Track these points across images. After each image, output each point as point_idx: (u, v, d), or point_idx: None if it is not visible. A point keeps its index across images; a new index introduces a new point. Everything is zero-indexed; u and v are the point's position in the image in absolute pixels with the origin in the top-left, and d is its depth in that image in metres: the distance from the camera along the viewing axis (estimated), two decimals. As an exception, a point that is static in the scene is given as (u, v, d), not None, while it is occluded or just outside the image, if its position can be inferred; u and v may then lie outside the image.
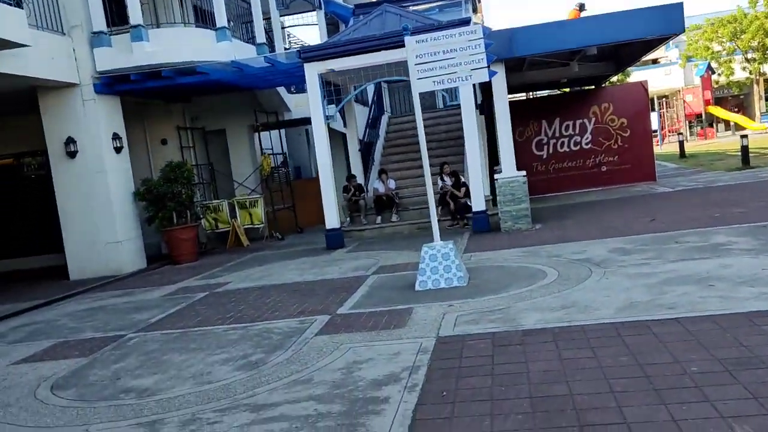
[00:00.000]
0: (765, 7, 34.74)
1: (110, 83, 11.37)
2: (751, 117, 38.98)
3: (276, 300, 7.37)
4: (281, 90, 14.96)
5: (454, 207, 11.82)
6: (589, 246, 8.05)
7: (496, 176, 11.00)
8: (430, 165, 7.28)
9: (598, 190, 15.44)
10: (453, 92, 11.10)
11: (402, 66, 9.98)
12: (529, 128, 16.23)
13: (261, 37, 14.35)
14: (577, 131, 16.12)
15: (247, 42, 14.31)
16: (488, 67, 6.92)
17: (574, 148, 16.15)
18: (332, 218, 11.29)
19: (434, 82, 6.89)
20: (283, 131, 16.10)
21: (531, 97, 24.43)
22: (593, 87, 18.02)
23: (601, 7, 58.18)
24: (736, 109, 41.16)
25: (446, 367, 4.24)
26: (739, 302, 4.76)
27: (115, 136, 11.50)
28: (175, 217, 11.99)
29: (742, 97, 41.84)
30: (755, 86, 39.19)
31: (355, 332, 5.47)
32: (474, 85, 12.34)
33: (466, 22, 10.11)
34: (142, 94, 12.42)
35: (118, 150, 11.56)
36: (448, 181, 12.08)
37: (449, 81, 6.91)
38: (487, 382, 3.88)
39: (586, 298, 5.52)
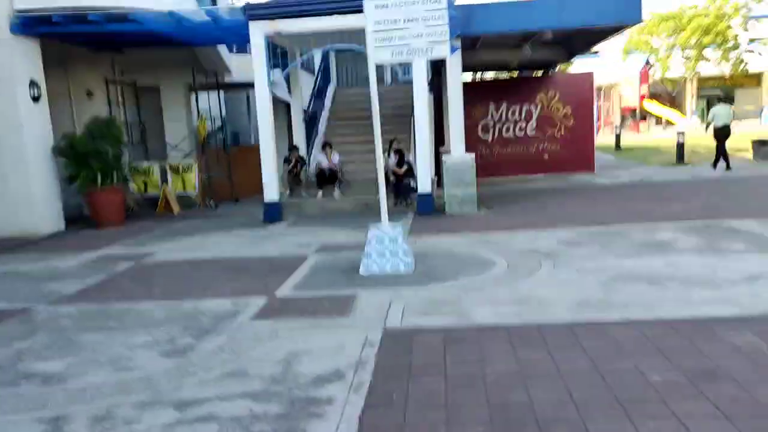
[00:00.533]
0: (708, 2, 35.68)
1: (29, 24, 10.21)
2: (683, 113, 40.48)
3: (208, 276, 6.83)
4: (222, 49, 14.07)
5: (399, 186, 11.48)
6: (537, 235, 7.89)
7: (444, 158, 10.70)
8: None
9: (539, 177, 15.47)
10: (406, 67, 10.72)
11: (356, 34, 9.47)
12: (476, 111, 16.02)
13: (204, -11, 13.42)
14: (523, 117, 16.05)
15: (188, -7, 13.32)
16: (449, 41, 6.52)
17: (518, 134, 16.09)
18: (272, 190, 10.72)
19: (392, 53, 6.46)
20: (222, 94, 15.22)
21: (479, 79, 24.26)
22: (541, 74, 17.99)
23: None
24: (668, 105, 42.63)
25: (395, 365, 3.91)
26: (695, 306, 4.66)
27: (33, 84, 10.42)
28: (99, 178, 11.09)
29: (674, 94, 43.36)
30: (689, 84, 40.62)
31: (294, 318, 5.06)
32: (427, 60, 11.94)
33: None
34: (65, 39, 11.30)
35: (35, 99, 10.49)
36: (393, 158, 11.70)
37: (408, 53, 6.50)
38: (440, 384, 3.58)
39: (539, 292, 5.32)
